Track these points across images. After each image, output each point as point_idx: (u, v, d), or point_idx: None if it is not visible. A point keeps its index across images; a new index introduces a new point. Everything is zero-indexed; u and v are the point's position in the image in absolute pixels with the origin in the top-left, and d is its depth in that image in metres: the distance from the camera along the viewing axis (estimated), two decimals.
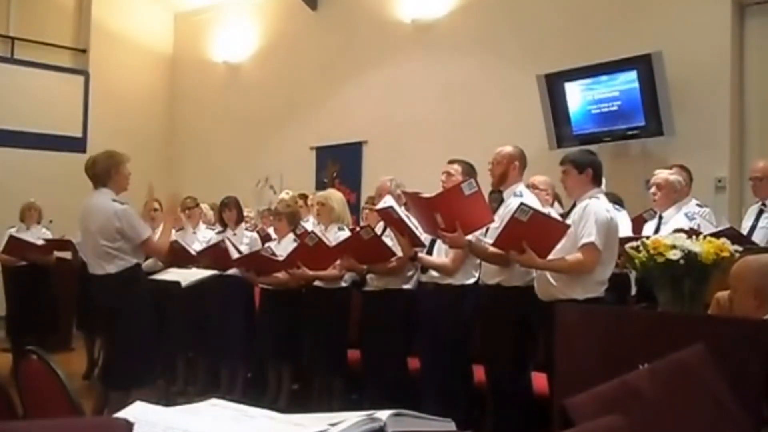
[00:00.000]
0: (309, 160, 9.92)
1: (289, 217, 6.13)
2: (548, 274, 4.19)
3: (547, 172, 5.36)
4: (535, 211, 4.15)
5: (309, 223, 6.49)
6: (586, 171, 4.26)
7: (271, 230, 6.94)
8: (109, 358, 4.97)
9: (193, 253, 6.32)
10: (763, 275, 2.77)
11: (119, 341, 4.87)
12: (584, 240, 4.01)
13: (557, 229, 4.12)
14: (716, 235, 4.72)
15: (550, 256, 4.10)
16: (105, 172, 4.88)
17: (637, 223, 5.51)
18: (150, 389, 4.91)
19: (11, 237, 7.38)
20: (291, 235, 6.05)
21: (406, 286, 5.22)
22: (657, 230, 5.06)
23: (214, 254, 6.17)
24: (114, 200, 4.82)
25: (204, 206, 7.25)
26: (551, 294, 4.14)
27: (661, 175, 5.34)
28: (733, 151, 6.77)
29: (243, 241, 6.45)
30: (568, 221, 4.19)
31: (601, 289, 4.13)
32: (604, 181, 4.43)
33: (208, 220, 7.19)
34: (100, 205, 4.82)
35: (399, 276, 5.19)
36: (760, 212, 5.38)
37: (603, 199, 4.26)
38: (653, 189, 5.30)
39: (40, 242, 7.43)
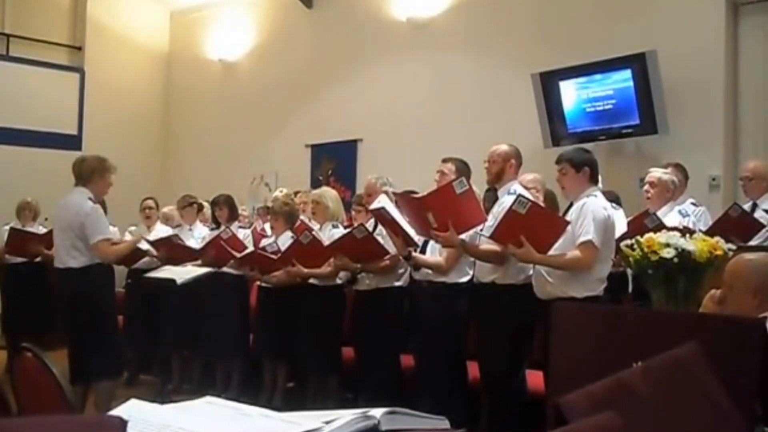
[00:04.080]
0: (304, 157, 9.91)
1: (285, 215, 6.13)
2: (545, 273, 4.19)
3: (541, 170, 5.35)
4: (534, 203, 4.15)
5: (303, 217, 6.51)
6: (583, 170, 4.26)
7: (267, 227, 6.94)
8: (78, 352, 5.05)
9: (195, 252, 6.32)
10: (762, 273, 2.76)
11: (82, 334, 4.99)
12: (582, 238, 4.02)
13: (556, 224, 4.11)
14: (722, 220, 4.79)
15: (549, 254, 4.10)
16: (90, 173, 5.07)
17: (637, 224, 5.47)
18: (114, 383, 5.03)
19: (12, 229, 7.38)
20: (288, 232, 6.05)
21: (397, 284, 5.23)
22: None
23: (215, 248, 6.16)
24: (90, 199, 5.00)
25: (206, 204, 7.22)
26: (549, 292, 4.14)
27: (655, 174, 5.35)
28: (727, 149, 6.78)
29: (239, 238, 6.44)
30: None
31: (600, 287, 4.13)
32: (600, 179, 4.44)
33: (206, 218, 7.17)
34: (74, 201, 5.01)
35: (391, 274, 5.20)
36: (752, 211, 5.41)
37: (600, 197, 4.27)
38: (647, 187, 5.31)
39: (41, 229, 7.48)
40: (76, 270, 4.97)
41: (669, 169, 5.63)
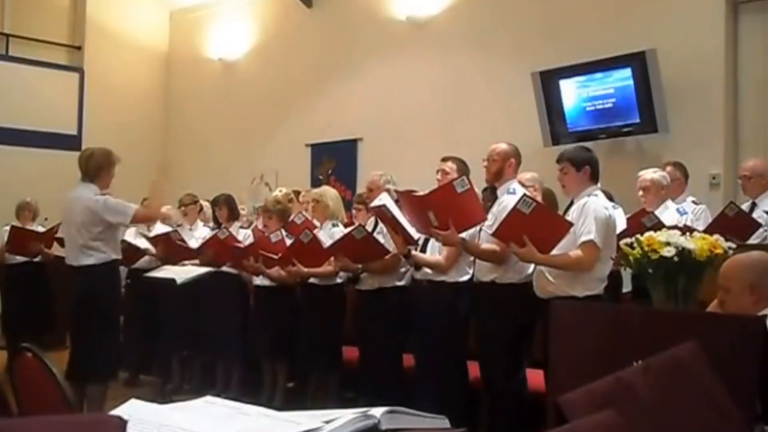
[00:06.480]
0: (304, 157, 9.91)
1: (279, 214, 6.12)
2: (546, 272, 4.18)
3: (541, 169, 5.35)
4: (539, 204, 4.14)
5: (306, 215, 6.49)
6: (584, 169, 4.25)
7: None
8: (80, 352, 5.03)
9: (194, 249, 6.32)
10: (756, 271, 2.77)
11: (93, 334, 4.95)
12: (584, 238, 4.01)
13: (560, 226, 4.09)
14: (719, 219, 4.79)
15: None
16: (98, 169, 5.04)
17: (634, 223, 5.47)
18: (106, 386, 5.02)
19: (13, 227, 7.39)
20: (282, 231, 6.04)
21: (399, 284, 5.22)
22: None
23: (212, 248, 6.15)
24: (97, 194, 4.97)
25: (205, 204, 7.21)
26: (549, 291, 4.13)
27: (646, 176, 5.32)
28: (728, 148, 6.78)
29: (237, 238, 6.43)
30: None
31: (601, 286, 4.12)
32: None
33: (207, 218, 7.16)
34: (84, 199, 4.95)
35: (392, 274, 5.19)
36: (751, 210, 5.41)
37: (601, 196, 4.26)
38: (641, 193, 5.30)
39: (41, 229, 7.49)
40: (91, 267, 4.92)
41: (668, 169, 5.63)
